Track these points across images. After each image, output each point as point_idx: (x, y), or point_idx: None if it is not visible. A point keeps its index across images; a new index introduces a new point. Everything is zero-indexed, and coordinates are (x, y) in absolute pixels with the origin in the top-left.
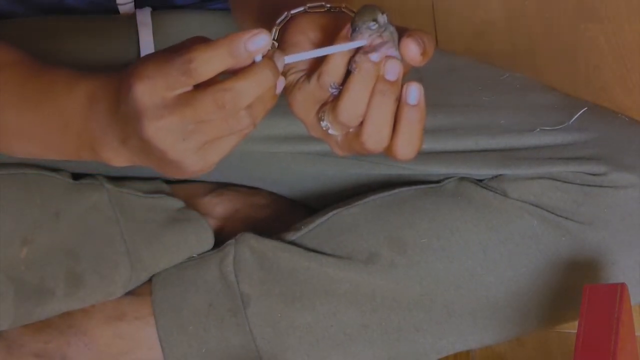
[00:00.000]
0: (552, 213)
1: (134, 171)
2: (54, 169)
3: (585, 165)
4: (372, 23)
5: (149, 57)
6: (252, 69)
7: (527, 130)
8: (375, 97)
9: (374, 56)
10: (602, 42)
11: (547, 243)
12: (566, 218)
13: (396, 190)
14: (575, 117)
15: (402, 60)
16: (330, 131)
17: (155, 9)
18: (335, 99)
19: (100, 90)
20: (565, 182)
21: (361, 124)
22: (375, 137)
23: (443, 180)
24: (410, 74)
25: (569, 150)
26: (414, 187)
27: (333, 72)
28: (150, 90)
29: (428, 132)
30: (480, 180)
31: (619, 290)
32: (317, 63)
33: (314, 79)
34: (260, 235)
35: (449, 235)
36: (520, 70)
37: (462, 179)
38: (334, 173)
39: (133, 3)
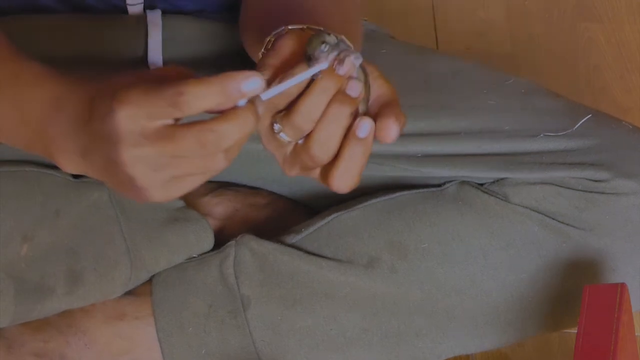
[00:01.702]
0: (554, 219)
1: None
2: (54, 166)
3: (587, 172)
4: (322, 46)
5: (131, 82)
6: (237, 113)
7: (530, 135)
8: (332, 105)
9: (341, 69)
10: (602, 42)
11: (548, 249)
12: (567, 224)
13: (397, 194)
14: (579, 124)
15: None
16: (281, 134)
17: (164, 14)
18: (292, 102)
19: (67, 96)
20: (567, 188)
21: (310, 134)
22: (324, 144)
23: (444, 184)
24: (415, 75)
25: (571, 156)
26: (414, 191)
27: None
28: (132, 117)
29: (432, 135)
30: (482, 185)
31: (619, 290)
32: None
33: (274, 83)
34: (261, 236)
35: (449, 240)
36: (520, 71)
37: (463, 183)
38: None
39: (142, 5)
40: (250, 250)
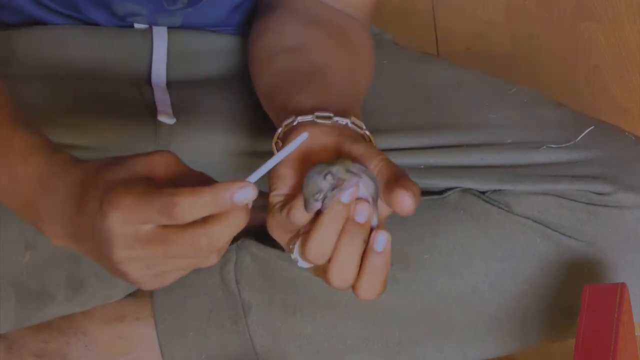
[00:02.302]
0: (555, 230)
1: None
2: None
3: (590, 184)
4: (319, 180)
5: (123, 186)
6: (229, 215)
7: (533, 147)
8: (343, 237)
9: (345, 197)
10: (602, 42)
11: (549, 260)
12: (569, 236)
13: None
14: (582, 135)
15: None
16: (299, 264)
17: (171, 28)
18: (305, 235)
19: (53, 178)
20: (570, 199)
21: (327, 266)
22: (340, 276)
23: (445, 191)
24: (417, 91)
25: (574, 168)
26: None
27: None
28: (124, 221)
29: (434, 148)
30: (483, 193)
31: (618, 290)
32: (298, 189)
33: (284, 211)
34: (262, 241)
35: (451, 250)
36: (520, 71)
37: (465, 191)
38: None
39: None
40: (252, 255)
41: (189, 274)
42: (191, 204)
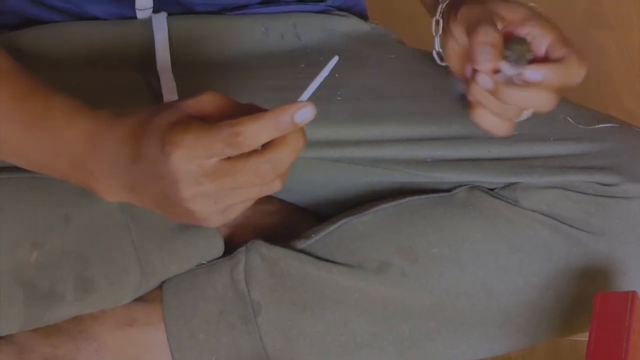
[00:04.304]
0: (564, 223)
1: None
2: None
3: (597, 176)
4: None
5: (176, 121)
6: (289, 139)
7: (540, 139)
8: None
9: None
10: (612, 48)
11: (558, 253)
12: (578, 228)
13: (407, 199)
14: (589, 128)
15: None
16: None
17: (171, 14)
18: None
19: (103, 135)
20: (577, 192)
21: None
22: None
23: (454, 189)
24: (423, 80)
25: (581, 160)
26: (424, 196)
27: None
28: (189, 159)
29: (442, 140)
30: (492, 189)
31: (630, 298)
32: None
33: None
34: (271, 243)
35: (460, 245)
36: None
37: (473, 187)
38: (345, 180)
39: (151, 10)
40: (261, 255)
41: (198, 276)
42: (254, 131)
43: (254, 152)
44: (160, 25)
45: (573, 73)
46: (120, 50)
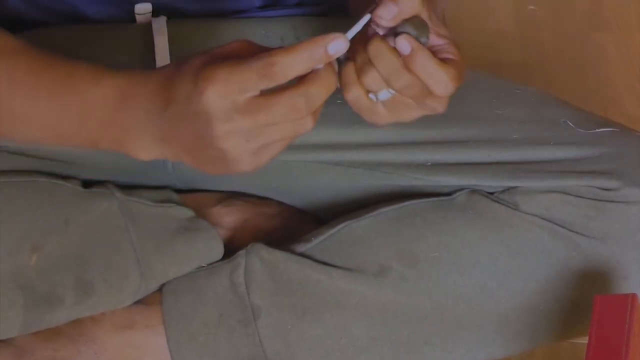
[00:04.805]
0: (563, 227)
1: (144, 180)
2: (64, 176)
3: (597, 180)
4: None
5: (208, 61)
6: (322, 75)
7: (540, 143)
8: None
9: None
10: (613, 52)
11: (557, 257)
12: (577, 233)
13: (407, 203)
14: (589, 132)
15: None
16: (382, 96)
17: (170, 18)
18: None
19: (134, 89)
20: (577, 196)
21: None
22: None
23: (454, 192)
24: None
25: (581, 164)
26: (424, 200)
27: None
28: (222, 94)
29: (442, 143)
30: (492, 194)
31: (630, 301)
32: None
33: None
34: (271, 246)
35: (459, 249)
36: (531, 80)
37: (473, 191)
38: (345, 184)
39: (151, 14)
40: (261, 259)
41: (198, 279)
42: (289, 61)
43: (287, 87)
44: (160, 29)
45: (446, 79)
46: (119, 54)
